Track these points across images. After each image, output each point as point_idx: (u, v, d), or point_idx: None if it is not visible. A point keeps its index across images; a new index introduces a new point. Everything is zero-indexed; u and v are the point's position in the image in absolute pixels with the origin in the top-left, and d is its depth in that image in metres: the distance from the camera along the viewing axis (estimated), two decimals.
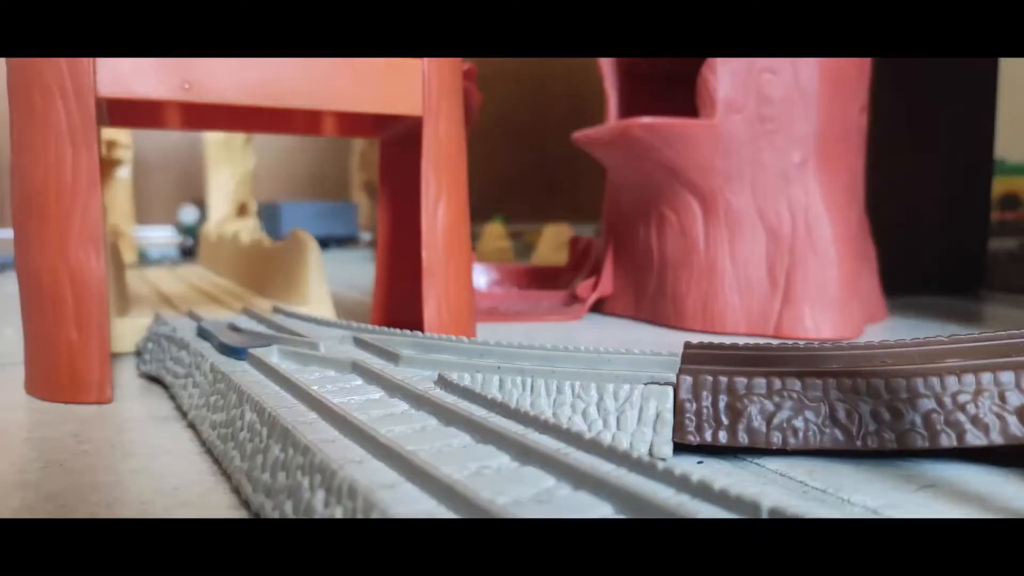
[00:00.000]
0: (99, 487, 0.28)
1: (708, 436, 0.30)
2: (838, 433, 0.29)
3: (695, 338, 0.60)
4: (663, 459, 0.30)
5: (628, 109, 0.74)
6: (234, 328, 0.45)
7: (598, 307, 0.77)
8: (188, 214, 1.92)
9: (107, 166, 1.64)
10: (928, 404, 0.28)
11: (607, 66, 0.74)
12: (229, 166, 1.72)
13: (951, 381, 0.28)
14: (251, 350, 0.37)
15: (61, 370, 0.40)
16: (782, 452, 0.31)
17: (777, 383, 0.30)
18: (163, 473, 0.29)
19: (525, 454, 0.22)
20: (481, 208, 1.42)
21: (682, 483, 0.19)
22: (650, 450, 0.30)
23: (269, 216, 2.10)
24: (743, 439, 0.30)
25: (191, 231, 1.89)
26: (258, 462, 0.26)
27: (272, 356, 0.37)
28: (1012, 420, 0.28)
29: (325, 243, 2.15)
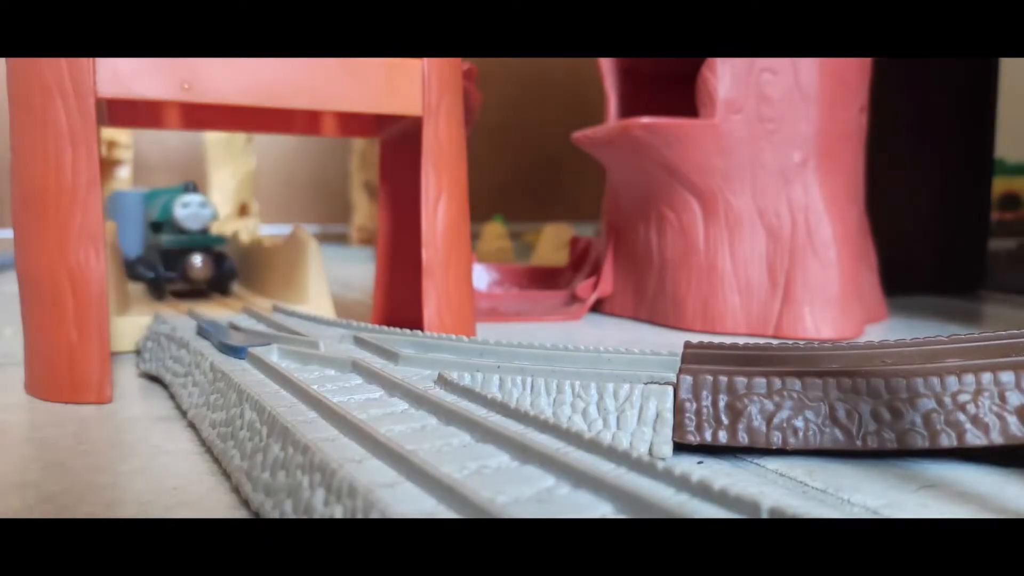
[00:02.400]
0: (99, 487, 0.28)
1: (708, 436, 0.30)
2: (838, 433, 0.29)
3: (695, 338, 0.60)
4: (663, 459, 0.30)
5: (628, 109, 0.74)
6: (234, 327, 0.45)
7: (598, 307, 0.77)
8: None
9: (107, 166, 1.64)
10: (928, 404, 0.28)
11: (607, 66, 0.74)
12: (230, 166, 1.72)
13: (951, 381, 0.28)
14: (251, 349, 0.37)
15: (61, 370, 0.40)
16: (782, 452, 0.31)
17: (777, 383, 0.30)
18: (163, 473, 0.29)
19: (525, 453, 0.22)
20: (481, 208, 1.42)
21: (682, 483, 0.19)
22: (650, 450, 0.30)
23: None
24: (743, 439, 0.30)
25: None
26: (258, 461, 0.26)
27: (272, 355, 0.37)
28: (1012, 420, 0.28)
29: None
